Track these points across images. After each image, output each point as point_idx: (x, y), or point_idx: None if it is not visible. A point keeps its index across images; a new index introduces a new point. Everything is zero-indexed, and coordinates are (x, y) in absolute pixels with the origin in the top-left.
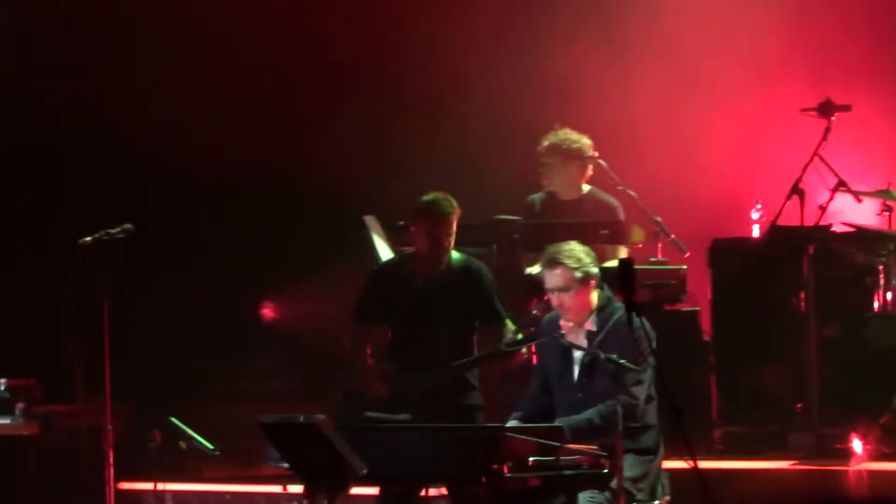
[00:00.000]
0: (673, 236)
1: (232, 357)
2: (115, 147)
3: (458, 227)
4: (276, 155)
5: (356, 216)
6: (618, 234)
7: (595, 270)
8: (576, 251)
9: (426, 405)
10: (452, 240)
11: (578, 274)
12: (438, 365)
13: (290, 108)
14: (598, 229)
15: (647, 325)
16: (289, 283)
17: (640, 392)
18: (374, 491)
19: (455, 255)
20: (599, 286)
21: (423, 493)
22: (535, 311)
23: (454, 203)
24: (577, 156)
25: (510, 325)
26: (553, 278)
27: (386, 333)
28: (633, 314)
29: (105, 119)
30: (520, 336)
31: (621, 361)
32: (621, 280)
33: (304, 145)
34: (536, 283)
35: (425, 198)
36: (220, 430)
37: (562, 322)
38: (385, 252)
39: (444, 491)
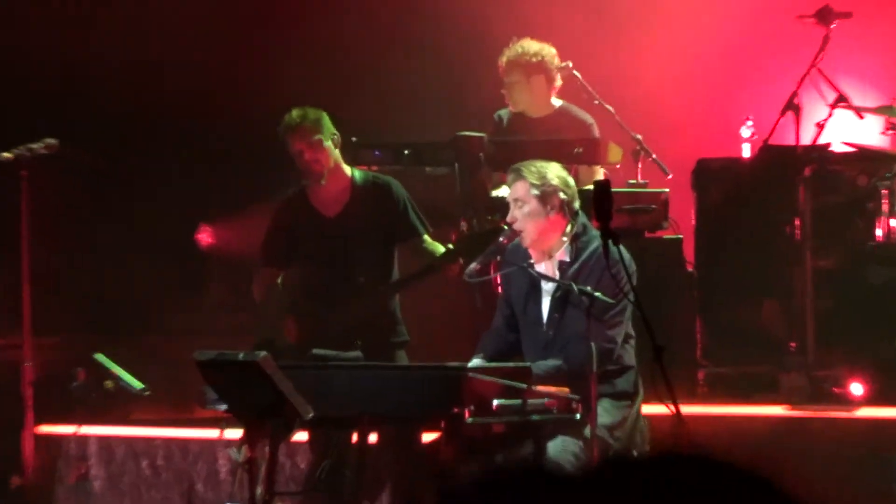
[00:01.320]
0: (654, 156)
1: (178, 287)
2: (56, 67)
3: (419, 145)
4: (228, 78)
5: None
6: (593, 154)
7: (563, 196)
8: (545, 168)
9: (347, 343)
10: (321, 153)
11: (536, 191)
12: (361, 296)
13: (249, 27)
14: (571, 148)
15: (626, 255)
16: (240, 210)
17: (618, 332)
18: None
19: (358, 173)
20: (573, 214)
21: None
22: (501, 238)
23: (309, 114)
24: (539, 69)
25: (430, 241)
26: (510, 189)
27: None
28: (610, 242)
29: (50, 39)
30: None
31: (597, 295)
32: (596, 204)
33: (262, 66)
34: (502, 207)
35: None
36: (156, 368)
37: (530, 250)
38: None
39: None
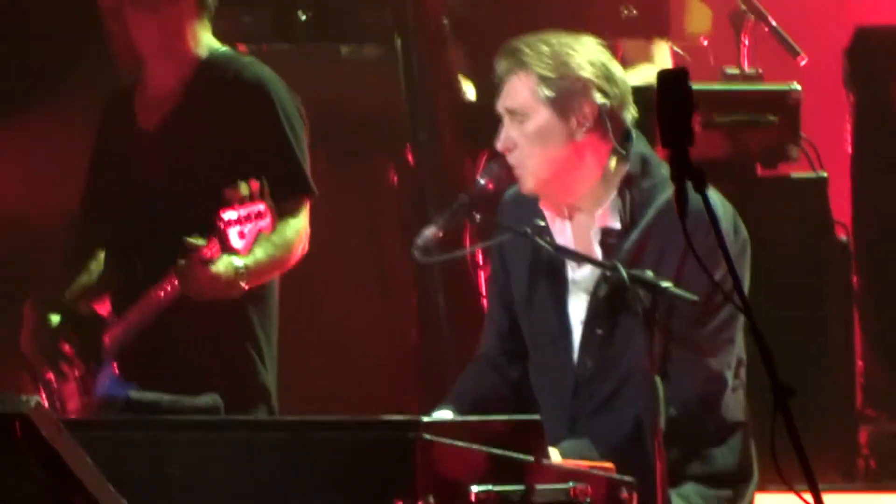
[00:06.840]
0: (774, 23)
1: None
2: None
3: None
4: None
5: None
6: (655, 17)
7: (603, 100)
8: (566, 45)
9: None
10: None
11: (550, 89)
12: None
13: None
14: (617, 5)
15: (728, 208)
16: None
17: (727, 360)
18: None
19: (217, 49)
20: (622, 136)
21: None
22: (480, 179)
23: None
24: None
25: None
26: (505, 92)
27: None
28: (689, 187)
29: None
30: None
31: (692, 297)
32: (661, 115)
33: None
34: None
35: None
36: None
37: (542, 203)
38: None
39: None
